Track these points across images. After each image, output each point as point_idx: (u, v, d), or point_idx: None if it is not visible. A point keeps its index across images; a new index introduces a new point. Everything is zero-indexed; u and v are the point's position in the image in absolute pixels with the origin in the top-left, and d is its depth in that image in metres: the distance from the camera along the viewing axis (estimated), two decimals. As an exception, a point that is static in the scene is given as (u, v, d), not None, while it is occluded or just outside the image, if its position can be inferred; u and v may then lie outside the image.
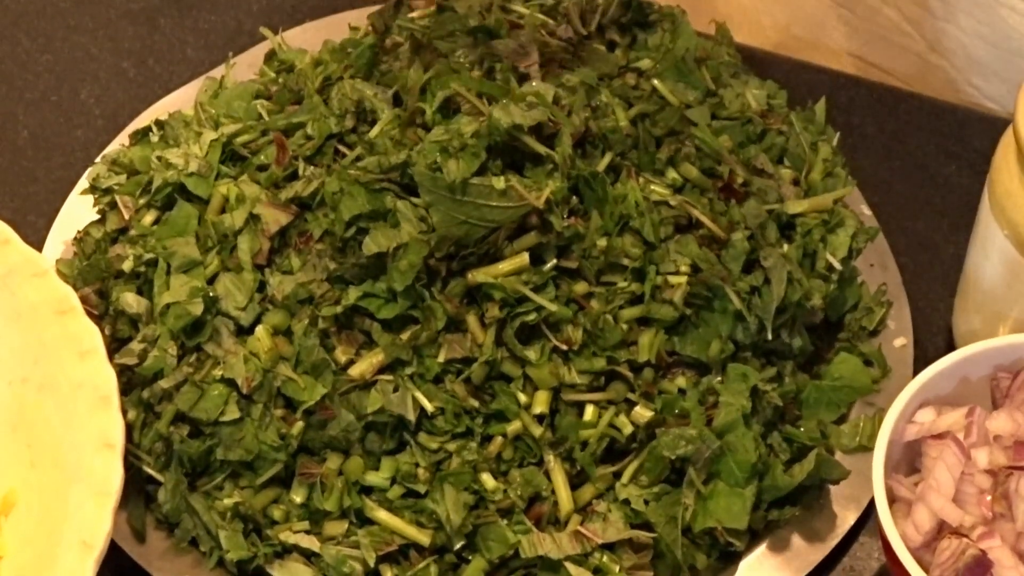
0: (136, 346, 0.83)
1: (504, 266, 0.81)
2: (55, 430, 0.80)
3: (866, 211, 0.97)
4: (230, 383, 0.81)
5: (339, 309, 0.81)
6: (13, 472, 0.81)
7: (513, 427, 0.80)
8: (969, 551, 0.75)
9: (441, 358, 0.80)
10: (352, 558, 0.78)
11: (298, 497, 0.80)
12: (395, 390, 0.80)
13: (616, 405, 0.82)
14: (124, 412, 0.79)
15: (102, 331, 0.82)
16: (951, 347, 0.91)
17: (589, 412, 0.81)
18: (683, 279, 0.83)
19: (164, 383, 0.81)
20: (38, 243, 0.94)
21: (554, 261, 0.82)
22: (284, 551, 0.80)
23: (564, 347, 0.81)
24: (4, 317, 0.84)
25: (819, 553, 0.83)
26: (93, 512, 0.75)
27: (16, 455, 0.82)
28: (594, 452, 0.81)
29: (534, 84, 0.86)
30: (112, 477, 0.76)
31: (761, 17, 1.23)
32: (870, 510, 0.84)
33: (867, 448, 0.84)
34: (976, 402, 0.80)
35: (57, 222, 0.96)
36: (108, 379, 0.79)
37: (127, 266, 0.86)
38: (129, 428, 0.81)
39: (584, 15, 0.95)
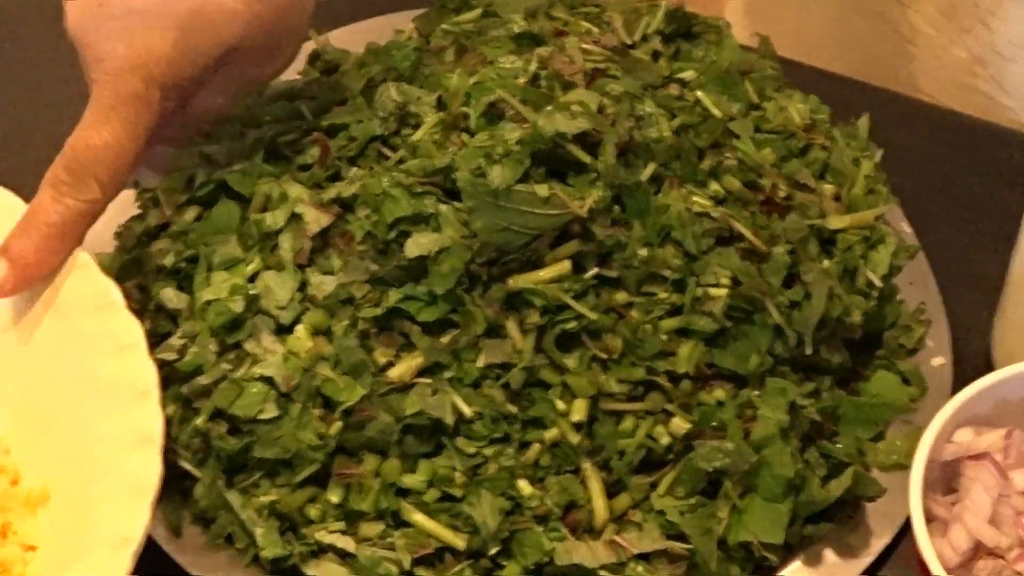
0: (176, 342, 0.83)
1: (545, 273, 0.81)
2: (92, 424, 0.80)
3: (907, 228, 0.96)
4: (269, 381, 0.80)
5: (379, 311, 0.81)
6: (50, 465, 0.81)
7: (551, 434, 0.80)
8: (1005, 572, 0.75)
9: (480, 363, 0.80)
10: (387, 559, 0.78)
11: (334, 497, 0.80)
12: (433, 393, 0.80)
13: (654, 415, 0.82)
14: (163, 407, 0.79)
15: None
16: (990, 368, 0.91)
17: (627, 422, 0.81)
18: (723, 291, 0.82)
19: (203, 379, 0.81)
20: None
21: (595, 270, 0.82)
22: (319, 550, 0.80)
23: (603, 356, 0.81)
24: (43, 310, 0.84)
25: (854, 570, 0.82)
26: (131, 506, 0.75)
27: (53, 448, 0.81)
28: (631, 462, 0.81)
29: (579, 92, 0.86)
30: (151, 472, 0.75)
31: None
32: (905, 529, 0.83)
33: (903, 466, 0.84)
34: (1015, 424, 0.80)
35: (98, 216, 0.97)
36: (148, 373, 0.78)
37: (168, 261, 0.86)
38: (167, 423, 0.81)
39: (628, 25, 0.95)
